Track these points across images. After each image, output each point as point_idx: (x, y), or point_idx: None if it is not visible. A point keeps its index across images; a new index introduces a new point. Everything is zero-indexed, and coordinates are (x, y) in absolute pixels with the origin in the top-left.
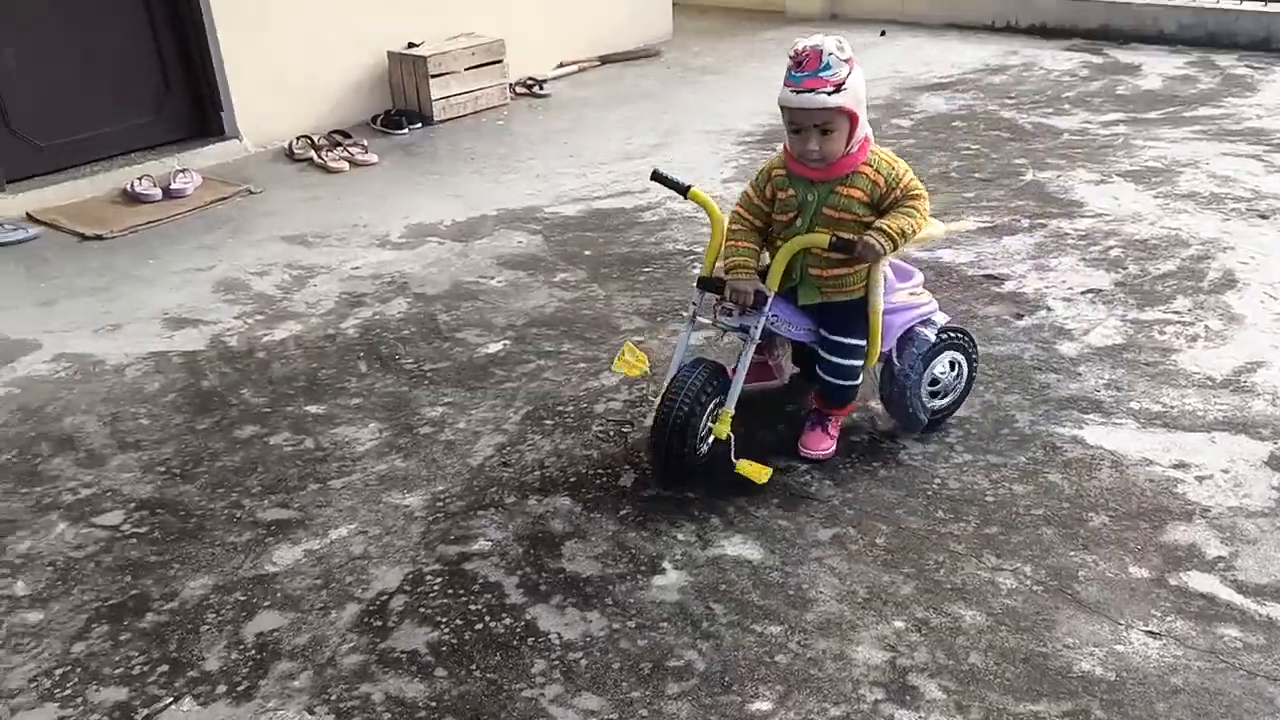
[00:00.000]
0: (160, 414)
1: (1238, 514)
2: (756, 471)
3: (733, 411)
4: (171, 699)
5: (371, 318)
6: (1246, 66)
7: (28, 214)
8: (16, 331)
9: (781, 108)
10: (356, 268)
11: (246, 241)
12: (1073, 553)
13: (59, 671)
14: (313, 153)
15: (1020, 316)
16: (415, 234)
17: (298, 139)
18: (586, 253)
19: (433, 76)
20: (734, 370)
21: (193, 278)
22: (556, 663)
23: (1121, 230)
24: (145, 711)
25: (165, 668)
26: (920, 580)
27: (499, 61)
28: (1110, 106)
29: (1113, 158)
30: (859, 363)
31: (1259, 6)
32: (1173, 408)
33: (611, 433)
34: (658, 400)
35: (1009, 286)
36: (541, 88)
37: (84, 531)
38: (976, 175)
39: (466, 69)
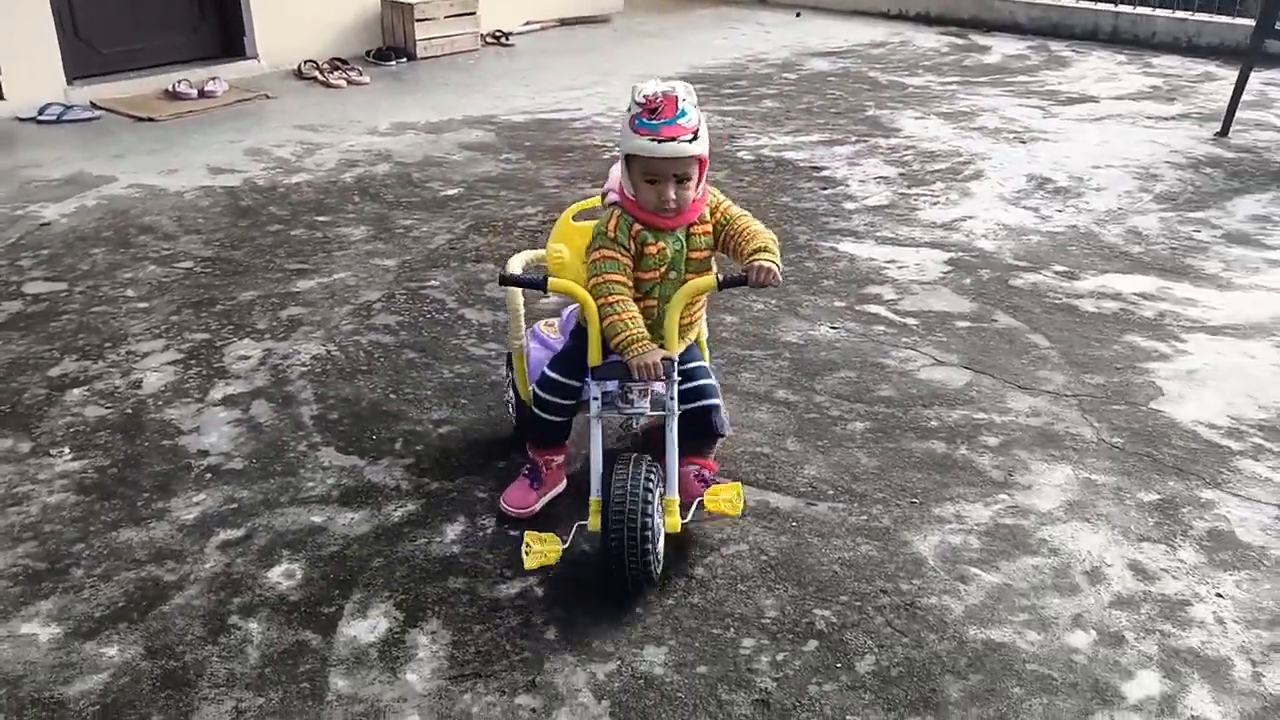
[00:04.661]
0: (212, 216)
1: (913, 283)
2: (728, 502)
3: (677, 498)
4: (235, 339)
5: (363, 174)
6: (1071, 50)
7: (91, 102)
8: (98, 171)
9: (632, 158)
10: (352, 146)
11: (266, 127)
12: (804, 296)
13: (162, 327)
14: (317, 73)
15: (825, 188)
16: (398, 128)
17: (305, 62)
18: (527, 143)
19: (418, 21)
20: (663, 452)
21: (226, 147)
22: (474, 333)
23: (919, 146)
24: (220, 343)
25: (230, 327)
26: (708, 303)
27: (473, 13)
28: (953, 73)
29: (936, 104)
30: (713, 380)
31: (1089, 5)
32: (902, 236)
33: (527, 235)
34: (601, 514)
35: (825, 173)
36: (508, 39)
37: (168, 269)
38: (831, 110)
39: (446, 16)
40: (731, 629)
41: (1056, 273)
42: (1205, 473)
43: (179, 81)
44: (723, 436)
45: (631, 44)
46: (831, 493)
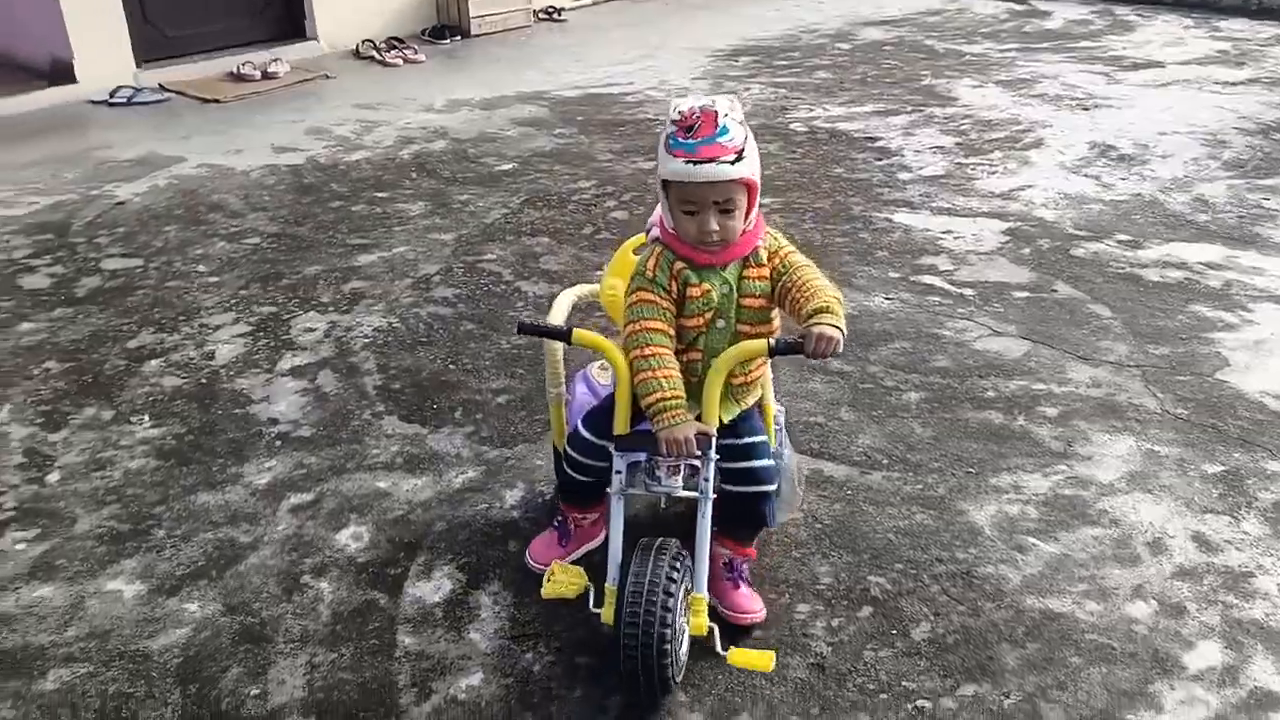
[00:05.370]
0: (277, 194)
1: (969, 253)
2: (759, 659)
3: (705, 596)
4: (301, 311)
5: (420, 150)
6: (1136, 14)
7: (160, 85)
8: (168, 152)
9: (667, 184)
10: (409, 123)
11: (326, 107)
12: (859, 266)
13: (232, 301)
14: (375, 52)
15: (880, 159)
16: (453, 105)
17: (363, 42)
18: (579, 118)
19: None
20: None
21: (289, 127)
22: (530, 304)
23: (977, 114)
24: (286, 316)
25: (296, 300)
26: None
27: None
28: (1012, 39)
29: (995, 72)
30: (771, 461)
31: None
32: (958, 206)
33: (581, 209)
34: (616, 605)
35: (880, 144)
36: (560, 14)
37: (237, 245)
38: (886, 80)
39: None
40: (786, 595)
41: (1119, 242)
42: (1271, 444)
43: (243, 63)
44: (770, 528)
45: (682, 16)
46: (886, 462)
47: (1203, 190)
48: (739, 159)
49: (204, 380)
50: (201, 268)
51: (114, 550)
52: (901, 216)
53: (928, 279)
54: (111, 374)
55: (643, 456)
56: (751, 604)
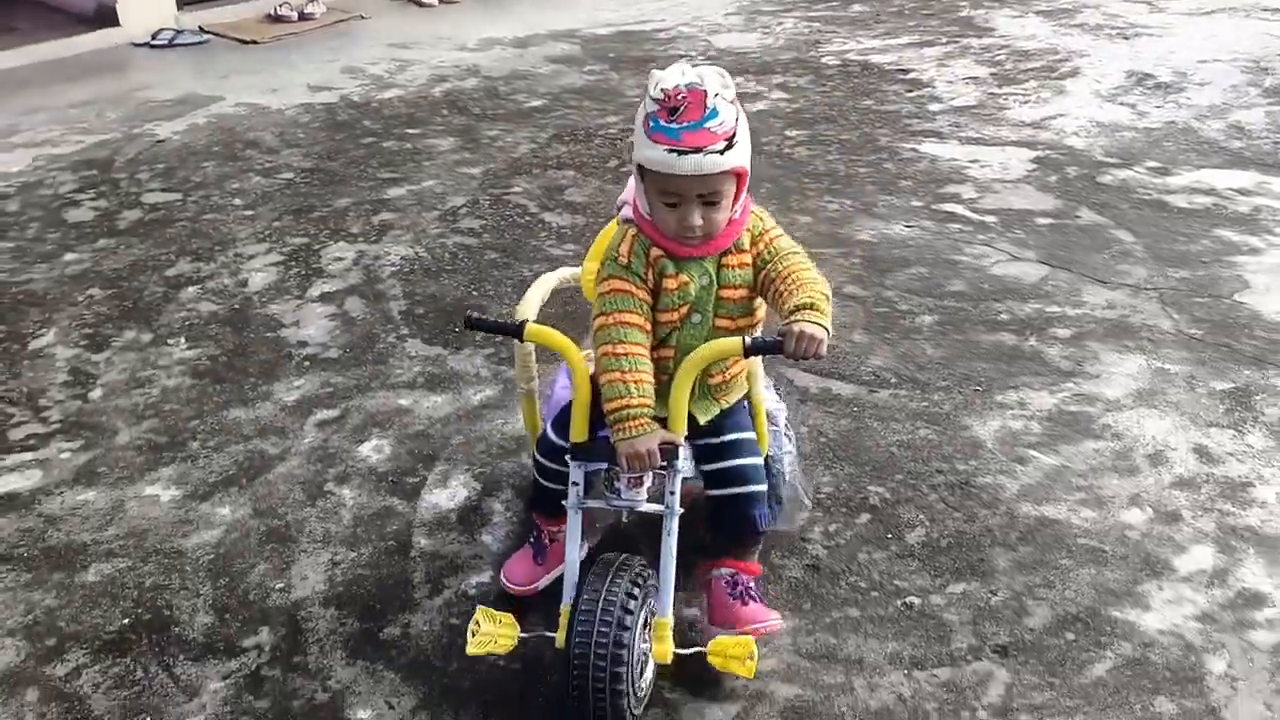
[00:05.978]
0: (311, 131)
1: (995, 181)
2: (741, 666)
3: (670, 620)
4: (331, 242)
5: (452, 88)
6: None
7: (200, 27)
8: (207, 91)
9: (646, 172)
10: (442, 62)
11: (361, 46)
12: (880, 195)
13: (266, 232)
14: None
15: (911, 90)
16: (486, 44)
17: None
18: (610, 55)
19: None
20: (659, 560)
21: (324, 66)
22: (553, 235)
23: (1014, 45)
24: (317, 246)
25: (327, 231)
26: (781, 206)
27: None
28: None
29: (1035, 2)
30: (759, 458)
31: None
32: (987, 135)
33: (607, 143)
34: (567, 628)
35: (912, 75)
36: None
37: (271, 180)
38: (923, 12)
39: None
40: (786, 503)
41: (1149, 169)
42: None
43: (280, 5)
44: (763, 533)
45: None
46: (894, 381)
47: (1239, 117)
48: (729, 147)
49: (238, 306)
50: (237, 201)
51: (152, 459)
52: (929, 147)
53: (950, 207)
54: (151, 300)
55: (604, 466)
56: (765, 613)
